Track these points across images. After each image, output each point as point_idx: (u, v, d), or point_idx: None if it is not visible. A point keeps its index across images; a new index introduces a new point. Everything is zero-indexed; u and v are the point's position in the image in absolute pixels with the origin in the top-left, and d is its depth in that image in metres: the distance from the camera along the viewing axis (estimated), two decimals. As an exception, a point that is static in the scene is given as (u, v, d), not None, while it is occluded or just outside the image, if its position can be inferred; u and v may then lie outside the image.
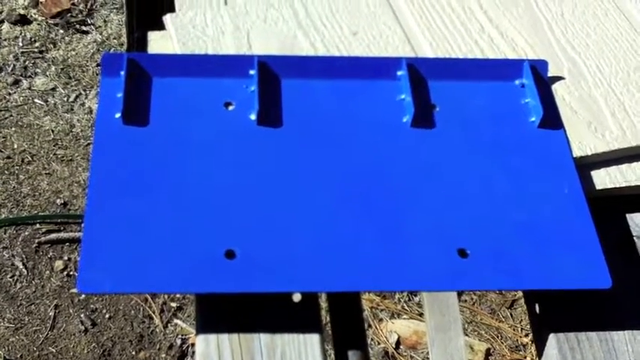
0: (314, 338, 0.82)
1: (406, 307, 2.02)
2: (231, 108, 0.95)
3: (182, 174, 0.87)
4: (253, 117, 0.93)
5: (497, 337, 1.99)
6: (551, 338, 0.86)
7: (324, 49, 1.04)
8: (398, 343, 1.95)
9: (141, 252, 0.81)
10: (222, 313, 0.83)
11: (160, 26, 1.11)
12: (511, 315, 2.04)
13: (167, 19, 1.07)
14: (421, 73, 0.99)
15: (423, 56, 1.05)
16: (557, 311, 0.88)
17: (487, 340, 1.98)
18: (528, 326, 1.98)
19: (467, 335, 1.97)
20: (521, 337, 1.99)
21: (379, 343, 1.94)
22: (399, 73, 0.99)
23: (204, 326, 0.82)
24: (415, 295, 2.04)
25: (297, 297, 0.84)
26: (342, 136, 0.93)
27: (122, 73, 0.94)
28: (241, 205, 0.86)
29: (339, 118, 0.95)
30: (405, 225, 0.86)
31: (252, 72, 0.96)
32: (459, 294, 1.94)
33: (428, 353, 0.90)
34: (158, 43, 1.09)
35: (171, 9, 1.14)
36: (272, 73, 0.97)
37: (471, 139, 0.95)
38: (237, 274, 0.80)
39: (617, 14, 1.13)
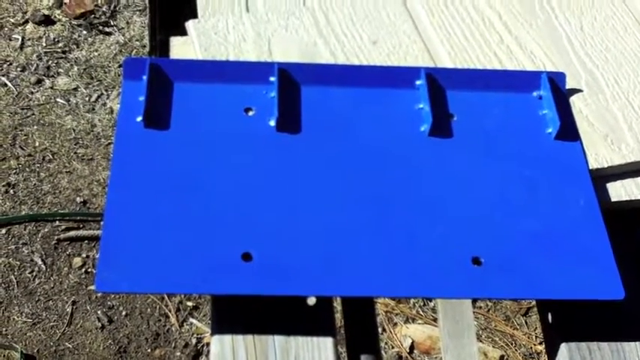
0: (328, 341, 0.83)
1: (421, 312, 2.03)
2: (251, 113, 0.96)
3: (201, 177, 0.89)
4: (272, 123, 0.94)
5: (512, 344, 1.99)
6: (563, 347, 0.87)
7: (343, 58, 1.06)
8: (412, 347, 1.96)
9: (159, 253, 0.82)
10: (238, 315, 0.84)
11: (183, 30, 1.12)
12: (526, 322, 2.05)
13: (190, 25, 1.09)
14: (440, 83, 1.00)
15: (441, 66, 1.06)
16: (569, 321, 0.89)
17: (501, 347, 1.98)
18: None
19: (481, 342, 1.97)
20: (535, 344, 1.99)
21: (393, 347, 1.95)
22: (418, 82, 1.00)
23: (220, 327, 0.84)
24: (430, 301, 2.04)
25: (311, 300, 0.85)
26: (360, 144, 0.94)
27: (144, 77, 0.95)
28: (259, 208, 0.87)
29: (357, 125, 0.96)
30: (421, 232, 0.87)
31: (272, 79, 0.98)
32: (474, 301, 1.95)
33: (442, 359, 0.91)
34: (180, 48, 1.10)
35: (194, 13, 1.15)
36: (292, 80, 0.99)
37: (488, 150, 0.95)
38: (253, 277, 0.82)
39: (636, 29, 1.13)
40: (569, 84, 1.04)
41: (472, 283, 0.83)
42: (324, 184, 0.90)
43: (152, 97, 0.94)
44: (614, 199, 0.95)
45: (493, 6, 1.14)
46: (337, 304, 1.03)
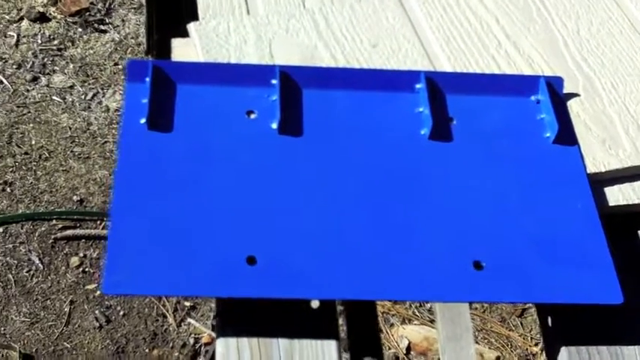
0: (331, 344, 0.84)
1: (417, 313, 2.04)
2: (253, 116, 0.97)
3: (205, 180, 0.90)
4: (275, 126, 0.95)
5: (507, 345, 2.00)
6: (563, 351, 0.88)
7: (344, 61, 1.07)
8: (408, 348, 1.97)
9: (164, 256, 0.83)
10: (242, 318, 0.85)
11: (180, 30, 1.13)
12: (521, 324, 2.06)
13: (191, 27, 1.10)
14: (439, 87, 1.01)
15: (441, 69, 1.07)
16: (568, 324, 0.90)
17: (497, 349, 1.99)
18: (538, 335, 1.99)
19: (477, 343, 1.98)
20: (531, 346, 2.00)
21: (390, 348, 1.96)
22: (418, 86, 1.01)
23: (225, 330, 0.85)
24: (427, 302, 2.06)
25: (315, 303, 0.86)
26: (360, 147, 0.95)
27: (147, 79, 0.96)
28: (262, 212, 0.88)
29: (358, 128, 0.97)
30: (422, 236, 0.88)
31: (274, 81, 0.98)
32: (470, 303, 1.96)
33: (438, 360, 0.92)
34: (182, 49, 1.11)
35: (192, 13, 1.16)
36: (293, 83, 1.00)
37: (487, 153, 0.97)
38: (257, 280, 0.83)
39: (631, 32, 1.15)
40: (567, 88, 1.05)
41: (474, 287, 0.85)
42: (325, 187, 0.91)
43: (155, 99, 0.95)
44: (611, 203, 0.96)
45: (491, 11, 1.16)
46: (341, 307, 1.04)
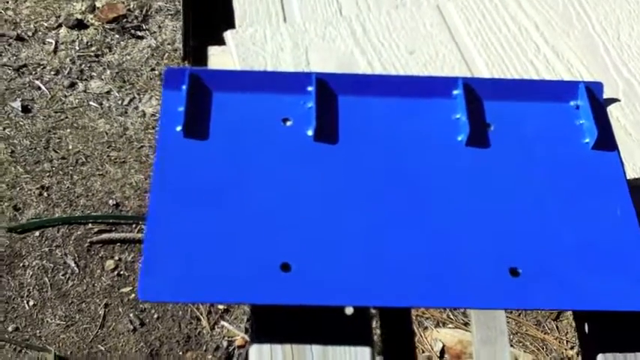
0: (365, 351, 0.84)
1: (451, 316, 2.03)
2: (288, 124, 0.97)
3: (240, 187, 0.90)
4: (310, 133, 0.95)
5: (543, 348, 1.99)
6: (600, 358, 0.87)
7: (380, 68, 1.06)
8: (442, 351, 1.96)
9: (199, 263, 0.83)
10: (276, 324, 0.85)
11: (217, 37, 1.13)
12: (557, 327, 2.04)
13: (228, 35, 1.10)
14: (477, 93, 1.00)
15: (478, 75, 1.06)
16: (606, 331, 0.89)
17: (532, 352, 1.98)
18: (574, 339, 1.97)
19: (512, 346, 1.97)
20: (566, 349, 1.98)
21: (424, 352, 1.95)
22: (455, 92, 1.00)
23: (259, 336, 0.84)
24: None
25: (349, 310, 0.86)
26: (397, 154, 0.95)
27: (184, 87, 0.96)
28: (297, 219, 0.88)
29: (394, 135, 0.97)
30: (458, 242, 0.87)
31: (310, 89, 0.98)
32: (506, 308, 1.94)
33: (473, 364, 0.91)
34: (218, 58, 1.12)
35: (228, 20, 1.16)
36: (329, 90, 0.99)
37: (525, 159, 0.95)
38: (292, 287, 0.82)
39: (673, 37, 1.13)
40: (606, 93, 1.03)
41: (510, 294, 0.84)
42: (361, 194, 0.91)
43: (191, 106, 0.95)
44: (652, 209, 0.95)
45: (530, 16, 1.15)
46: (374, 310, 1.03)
